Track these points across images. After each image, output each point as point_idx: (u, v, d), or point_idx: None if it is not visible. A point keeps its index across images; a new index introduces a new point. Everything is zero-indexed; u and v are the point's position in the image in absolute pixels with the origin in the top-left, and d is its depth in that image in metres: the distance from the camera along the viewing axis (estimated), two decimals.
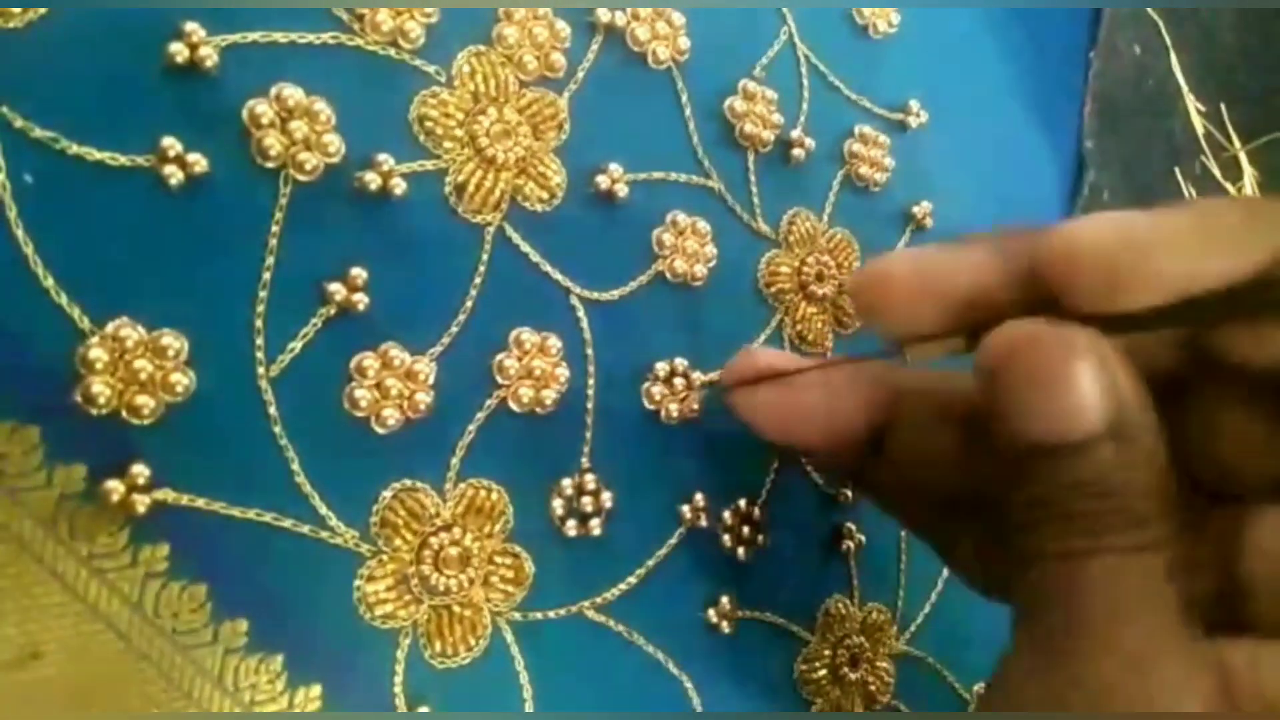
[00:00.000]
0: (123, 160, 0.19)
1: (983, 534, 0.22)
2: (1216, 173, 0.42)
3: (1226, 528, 0.19)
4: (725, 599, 0.25)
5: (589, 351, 0.24)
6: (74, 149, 0.19)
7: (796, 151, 0.28)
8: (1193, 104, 0.41)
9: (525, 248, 0.23)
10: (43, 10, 0.19)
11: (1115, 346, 0.18)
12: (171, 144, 0.19)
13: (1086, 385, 0.17)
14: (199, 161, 0.20)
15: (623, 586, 0.24)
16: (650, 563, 0.25)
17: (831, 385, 0.22)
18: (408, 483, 0.22)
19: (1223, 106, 0.43)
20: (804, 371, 0.22)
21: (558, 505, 0.23)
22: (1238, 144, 0.43)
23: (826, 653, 0.27)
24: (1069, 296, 0.18)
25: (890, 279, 0.20)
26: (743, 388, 0.23)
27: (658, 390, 0.25)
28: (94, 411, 0.19)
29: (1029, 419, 0.17)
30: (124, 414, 0.19)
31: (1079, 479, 0.17)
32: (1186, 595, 0.17)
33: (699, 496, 0.25)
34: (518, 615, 0.23)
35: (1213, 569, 0.19)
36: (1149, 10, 0.40)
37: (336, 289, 0.21)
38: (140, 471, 0.19)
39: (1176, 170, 0.40)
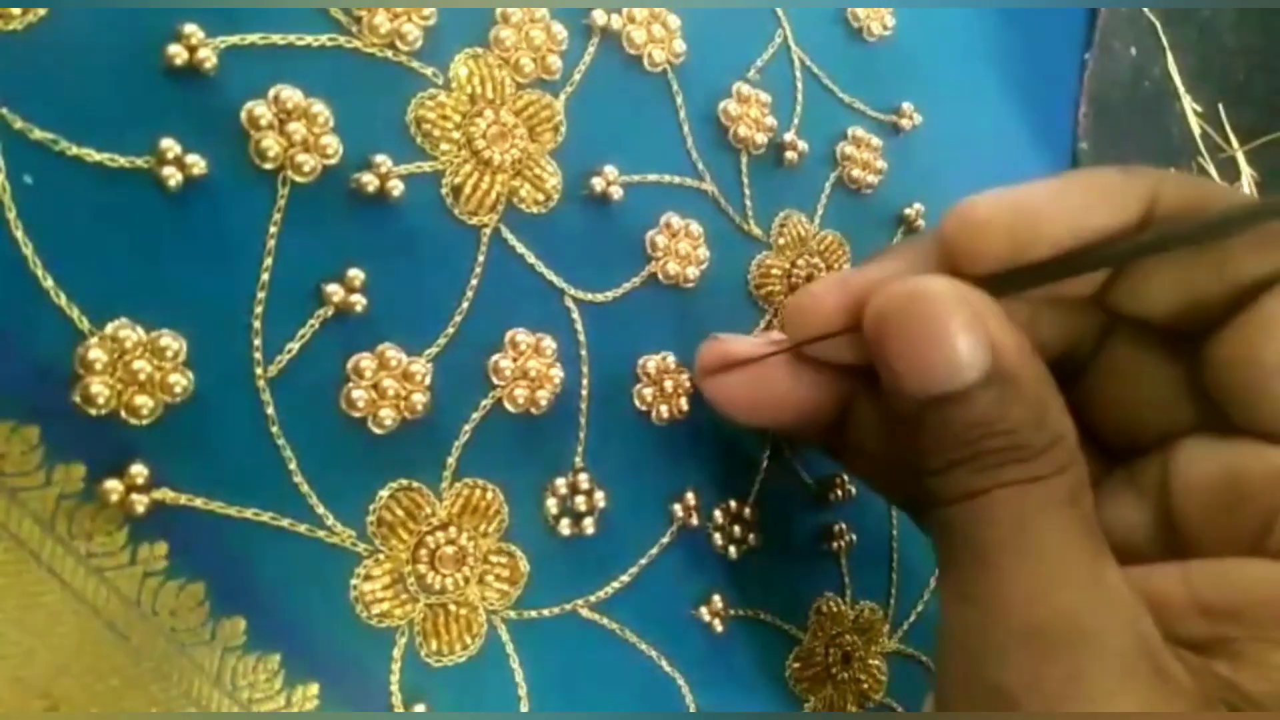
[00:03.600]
0: (122, 162, 0.19)
1: None
2: (1214, 174, 0.42)
3: (1153, 471, 0.21)
4: (717, 597, 0.25)
5: (583, 353, 0.24)
6: (74, 150, 0.19)
7: (790, 154, 0.28)
8: (1189, 105, 0.41)
9: (521, 249, 0.24)
10: (43, 11, 0.19)
11: (993, 299, 0.19)
12: (170, 145, 0.19)
13: (959, 337, 0.18)
14: (198, 163, 0.20)
15: (616, 585, 0.24)
16: (643, 561, 0.25)
17: (796, 366, 0.23)
18: (404, 482, 0.22)
19: (1220, 107, 0.43)
20: (767, 357, 0.23)
21: (552, 505, 0.24)
22: (1236, 145, 0.43)
23: (819, 651, 0.27)
24: (969, 257, 0.19)
25: (825, 300, 0.22)
26: (712, 375, 0.23)
27: (649, 391, 0.25)
28: (93, 412, 0.19)
29: (911, 375, 0.18)
30: (123, 414, 0.19)
31: (967, 424, 0.18)
32: (1093, 518, 0.18)
33: (690, 496, 0.25)
34: (513, 614, 0.23)
35: (1148, 511, 0.21)
36: (1145, 11, 0.40)
37: (334, 290, 0.21)
38: (139, 471, 0.19)
39: (1173, 171, 0.40)
